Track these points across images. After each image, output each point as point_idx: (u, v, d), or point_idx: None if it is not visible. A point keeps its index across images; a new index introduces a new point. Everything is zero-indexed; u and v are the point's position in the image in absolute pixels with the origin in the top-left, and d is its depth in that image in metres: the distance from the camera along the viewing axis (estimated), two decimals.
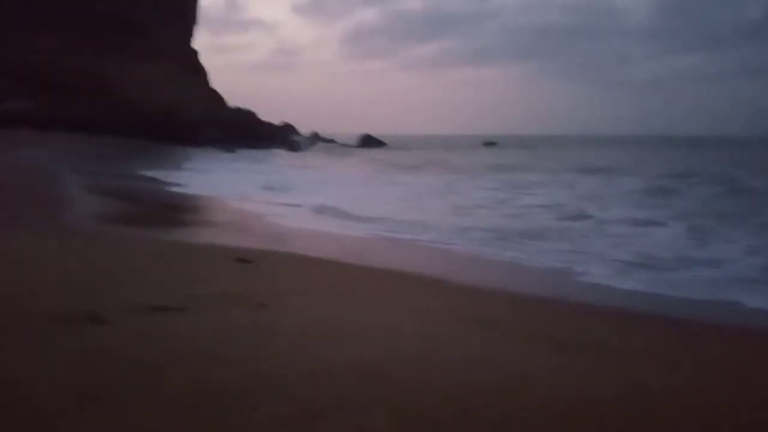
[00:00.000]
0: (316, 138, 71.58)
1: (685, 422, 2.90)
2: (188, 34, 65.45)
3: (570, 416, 2.84)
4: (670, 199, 15.98)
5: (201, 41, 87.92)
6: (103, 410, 2.55)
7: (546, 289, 6.75)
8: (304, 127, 74.05)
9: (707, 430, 2.86)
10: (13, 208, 9.97)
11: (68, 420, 2.46)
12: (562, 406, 2.94)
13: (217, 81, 70.24)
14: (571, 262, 7.99)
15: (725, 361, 4.42)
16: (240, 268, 6.35)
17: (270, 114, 69.80)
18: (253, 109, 63.28)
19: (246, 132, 55.81)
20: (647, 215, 12.58)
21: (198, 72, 63.82)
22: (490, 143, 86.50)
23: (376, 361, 3.38)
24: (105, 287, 4.87)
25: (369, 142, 72.39)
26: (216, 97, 62.13)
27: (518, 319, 5.23)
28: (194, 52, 65.50)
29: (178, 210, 13.53)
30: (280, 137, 61.18)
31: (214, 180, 20.47)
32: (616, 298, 6.41)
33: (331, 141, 72.33)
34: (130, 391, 2.74)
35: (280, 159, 40.62)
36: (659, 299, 6.41)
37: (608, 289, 6.82)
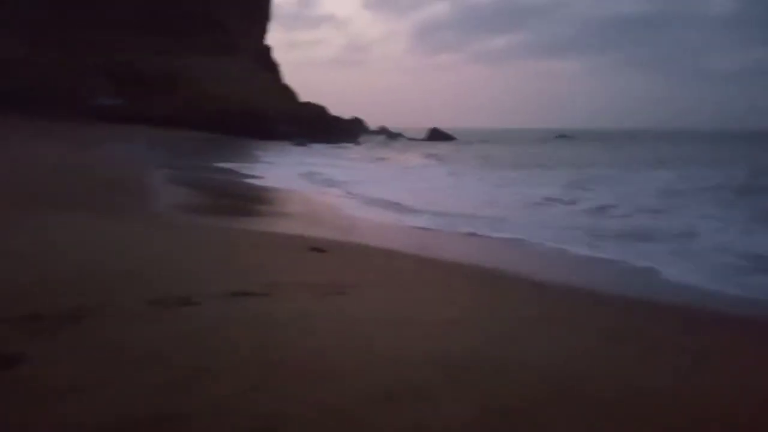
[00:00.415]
0: (384, 132, 72.11)
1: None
2: (262, 30, 67.44)
3: (653, 414, 2.78)
4: (756, 196, 14.87)
5: (274, 37, 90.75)
6: (199, 386, 2.71)
7: (632, 289, 6.46)
8: (372, 122, 74.79)
9: None
10: (107, 198, 10.73)
11: (170, 394, 2.65)
12: (641, 405, 2.88)
13: (289, 76, 72.16)
14: (659, 262, 7.59)
15: None
16: (315, 257, 6.55)
17: (340, 108, 70.80)
18: (323, 103, 64.53)
19: (317, 126, 56.94)
20: (733, 213, 11.85)
21: (271, 67, 65.72)
22: (562, 136, 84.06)
23: (457, 352, 3.41)
24: (191, 272, 5.14)
25: (437, 135, 72.08)
26: (288, 92, 63.73)
27: (600, 319, 5.07)
28: (268, 48, 67.44)
29: (253, 201, 14.05)
30: (350, 131, 62.03)
31: (285, 173, 21.07)
32: (714, 302, 6.02)
33: (399, 135, 72.58)
34: (221, 370, 2.90)
35: (348, 153, 41.17)
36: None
37: (700, 291, 6.43)
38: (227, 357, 3.10)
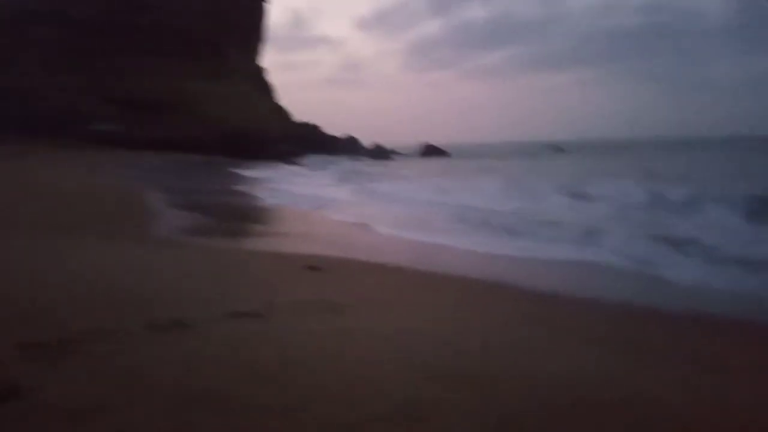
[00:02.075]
0: (378, 149, 72.21)
1: None
2: (257, 52, 67.96)
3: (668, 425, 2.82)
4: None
5: (270, 59, 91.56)
6: (202, 409, 2.72)
7: (641, 297, 6.47)
8: (367, 139, 75.01)
9: None
10: (108, 222, 10.77)
11: (174, 417, 2.66)
12: (668, 421, 2.90)
13: (285, 97, 72.86)
14: (664, 267, 7.64)
15: None
16: (311, 276, 6.57)
17: (335, 127, 71.16)
18: (318, 123, 64.97)
19: (312, 145, 57.28)
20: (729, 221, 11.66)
21: (266, 88, 66.19)
22: (558, 149, 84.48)
23: (467, 367, 3.43)
24: (187, 294, 5.13)
25: (431, 151, 72.45)
26: (283, 113, 64.16)
27: (603, 327, 5.09)
28: (262, 69, 67.95)
29: (250, 220, 14.10)
30: (344, 150, 62.34)
31: (278, 192, 21.12)
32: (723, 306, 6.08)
33: (393, 152, 72.78)
34: (222, 392, 2.92)
35: (342, 170, 41.06)
36: None
37: (703, 294, 6.50)
38: (226, 379, 3.11)
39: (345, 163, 47.41)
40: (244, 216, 14.85)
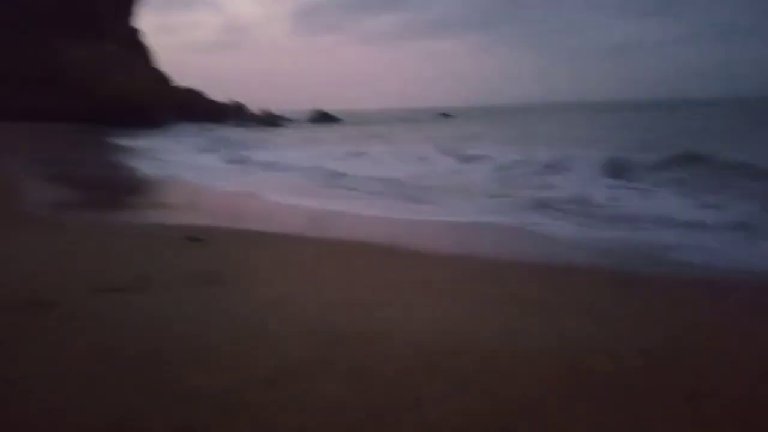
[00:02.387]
0: (267, 116, 70.16)
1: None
2: (131, 12, 63.01)
3: (517, 371, 3.01)
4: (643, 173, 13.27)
5: (148, 21, 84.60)
6: (56, 392, 2.61)
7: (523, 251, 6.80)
8: (255, 105, 72.47)
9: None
10: None
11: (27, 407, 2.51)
12: (508, 360, 3.13)
13: (165, 61, 68.36)
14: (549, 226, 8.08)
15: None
16: (192, 247, 6.32)
17: (220, 93, 67.67)
18: (202, 88, 61.76)
19: (194, 112, 54.49)
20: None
21: (142, 52, 61.77)
22: (446, 115, 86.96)
23: (336, 328, 3.48)
24: (55, 272, 4.80)
25: (322, 118, 71.75)
26: (162, 78, 60.31)
27: (485, 285, 5.22)
28: (138, 32, 63.20)
29: (130, 192, 13.27)
30: (230, 116, 59.98)
31: (158, 163, 19.97)
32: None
33: (284, 118, 71.11)
34: (81, 373, 2.79)
35: (222, 137, 39.44)
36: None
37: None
38: (86, 359, 2.97)
39: (228, 131, 45.56)
40: (117, 188, 13.92)
